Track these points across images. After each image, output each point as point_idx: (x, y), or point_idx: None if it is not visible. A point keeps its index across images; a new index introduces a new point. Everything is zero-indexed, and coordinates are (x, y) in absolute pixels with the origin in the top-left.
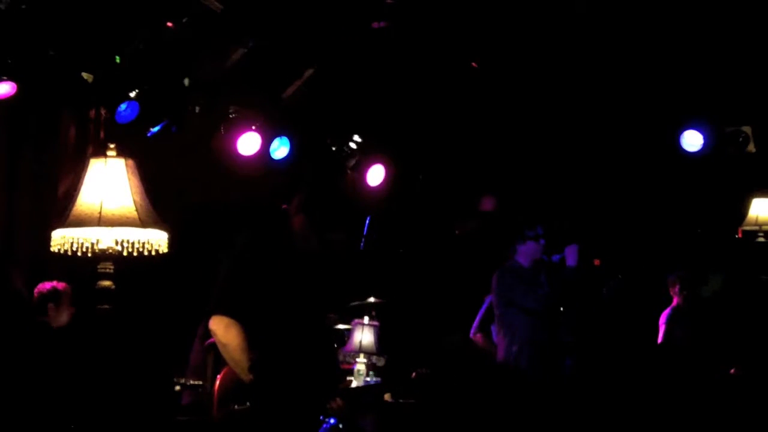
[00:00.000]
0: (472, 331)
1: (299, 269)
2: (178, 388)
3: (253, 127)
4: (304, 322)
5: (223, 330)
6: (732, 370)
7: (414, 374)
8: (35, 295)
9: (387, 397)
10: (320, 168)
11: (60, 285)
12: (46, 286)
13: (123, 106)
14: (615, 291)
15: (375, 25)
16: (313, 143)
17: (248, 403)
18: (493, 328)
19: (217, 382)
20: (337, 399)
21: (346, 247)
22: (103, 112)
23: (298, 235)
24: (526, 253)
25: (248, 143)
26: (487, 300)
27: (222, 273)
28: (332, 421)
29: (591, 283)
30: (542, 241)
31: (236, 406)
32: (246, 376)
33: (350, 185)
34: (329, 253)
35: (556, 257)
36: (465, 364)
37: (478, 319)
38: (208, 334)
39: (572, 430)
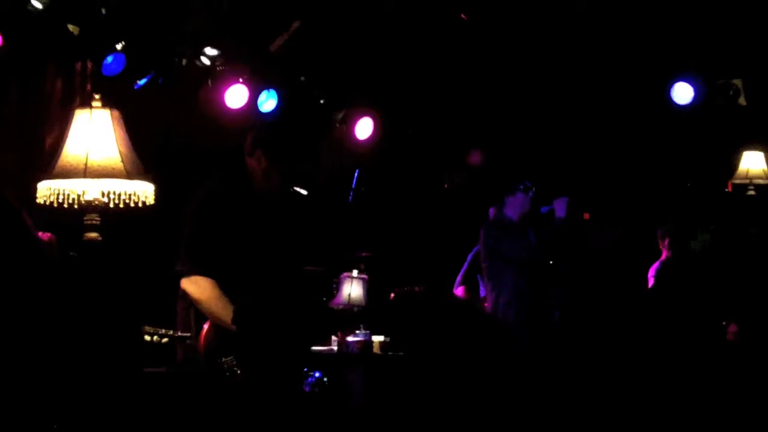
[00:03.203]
0: (455, 284)
1: (263, 210)
2: (165, 340)
3: (241, 80)
4: (279, 265)
5: (194, 288)
6: (723, 323)
7: (393, 294)
8: None
9: (375, 349)
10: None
11: (46, 236)
12: None
13: (109, 59)
14: (606, 240)
15: None
16: (300, 96)
17: (232, 356)
18: (480, 279)
19: (201, 338)
20: None
21: (311, 177)
22: (89, 64)
23: (257, 173)
24: (515, 205)
25: (236, 96)
26: (471, 254)
27: (185, 231)
28: (317, 374)
29: (580, 236)
30: (531, 193)
31: (221, 360)
32: (228, 326)
33: (338, 139)
34: (294, 185)
35: (544, 209)
36: (452, 316)
37: (461, 272)
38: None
39: (560, 382)
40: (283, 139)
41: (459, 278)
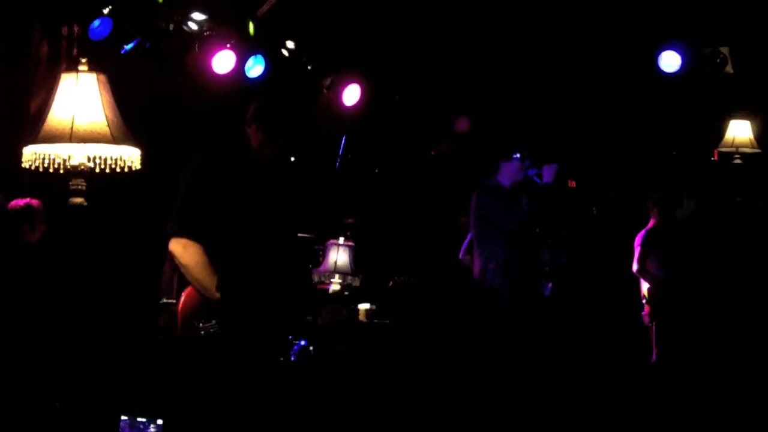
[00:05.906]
0: (461, 252)
1: (256, 180)
2: None
3: (228, 45)
4: (268, 235)
5: (181, 251)
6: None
7: (391, 283)
8: (8, 211)
9: (361, 316)
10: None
11: (34, 202)
12: (20, 203)
13: (96, 23)
14: (604, 211)
15: None
16: (288, 62)
17: (213, 321)
18: None
19: (181, 300)
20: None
21: (299, 144)
22: (75, 28)
23: (253, 143)
24: (508, 172)
25: (223, 61)
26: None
27: (179, 194)
28: (302, 342)
29: (565, 204)
30: (527, 162)
31: (200, 324)
32: (211, 295)
33: (325, 105)
34: (283, 157)
35: (531, 171)
36: (443, 282)
37: (466, 240)
38: None
39: (545, 350)
40: (279, 114)
41: (464, 246)
